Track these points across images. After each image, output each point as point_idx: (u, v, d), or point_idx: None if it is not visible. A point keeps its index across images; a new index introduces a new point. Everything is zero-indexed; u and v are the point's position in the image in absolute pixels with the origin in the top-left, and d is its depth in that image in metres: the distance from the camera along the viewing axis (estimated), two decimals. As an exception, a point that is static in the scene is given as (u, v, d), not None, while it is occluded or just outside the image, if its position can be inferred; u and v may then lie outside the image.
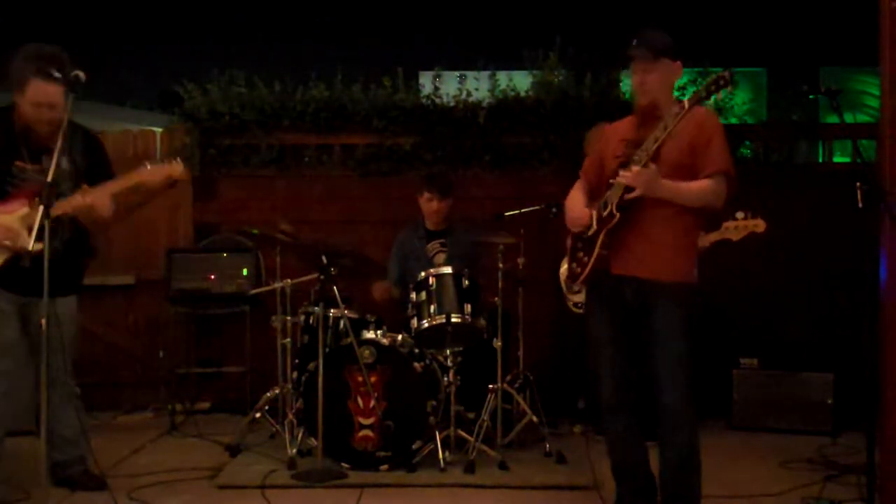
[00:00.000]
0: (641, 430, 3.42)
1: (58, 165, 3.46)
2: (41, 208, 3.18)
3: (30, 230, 3.45)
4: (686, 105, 3.04)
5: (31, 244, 3.24)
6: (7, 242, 3.54)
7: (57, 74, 3.51)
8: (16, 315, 3.67)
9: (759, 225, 4.31)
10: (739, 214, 4.32)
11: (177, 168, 3.70)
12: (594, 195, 3.43)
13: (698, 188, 3.17)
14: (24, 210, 3.57)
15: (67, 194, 3.62)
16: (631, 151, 3.22)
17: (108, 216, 3.74)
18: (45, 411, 3.11)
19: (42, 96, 3.53)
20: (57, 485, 3.82)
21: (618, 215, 3.19)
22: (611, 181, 3.24)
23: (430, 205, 4.97)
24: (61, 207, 3.52)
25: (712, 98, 5.76)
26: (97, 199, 3.62)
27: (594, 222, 3.31)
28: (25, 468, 3.80)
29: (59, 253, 3.56)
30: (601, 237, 3.26)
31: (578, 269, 3.39)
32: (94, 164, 3.81)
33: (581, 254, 3.38)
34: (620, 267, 3.26)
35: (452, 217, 5.06)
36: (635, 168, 3.09)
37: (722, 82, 2.99)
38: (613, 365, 3.37)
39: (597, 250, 3.27)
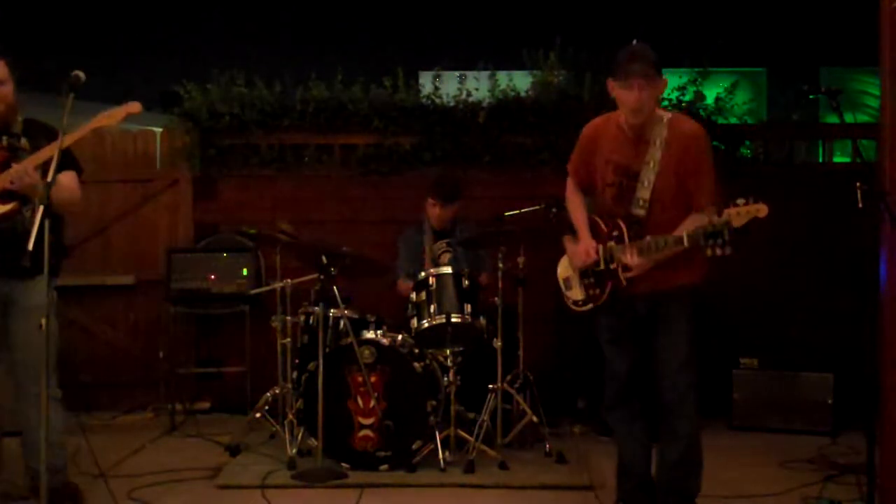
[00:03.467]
0: (647, 432, 3.45)
1: (21, 147, 3.48)
2: (41, 208, 3.00)
3: None
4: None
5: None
6: None
7: None
8: None
9: (762, 209, 4.25)
10: (740, 200, 4.28)
11: (134, 106, 3.56)
12: (587, 192, 3.51)
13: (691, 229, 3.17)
14: None
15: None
16: (624, 181, 3.27)
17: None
18: (44, 408, 3.05)
19: None
20: (35, 493, 3.49)
21: (625, 283, 3.26)
22: (610, 244, 3.27)
23: (433, 209, 4.99)
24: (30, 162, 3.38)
25: (712, 96, 5.78)
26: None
27: (601, 260, 3.32)
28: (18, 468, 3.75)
29: (17, 231, 3.39)
30: (609, 286, 3.31)
31: (595, 294, 3.40)
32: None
33: (594, 290, 3.39)
34: (632, 287, 3.29)
35: (458, 217, 5.07)
36: (634, 259, 3.15)
37: (720, 241, 3.10)
38: (618, 366, 3.41)
39: (608, 290, 3.32)
